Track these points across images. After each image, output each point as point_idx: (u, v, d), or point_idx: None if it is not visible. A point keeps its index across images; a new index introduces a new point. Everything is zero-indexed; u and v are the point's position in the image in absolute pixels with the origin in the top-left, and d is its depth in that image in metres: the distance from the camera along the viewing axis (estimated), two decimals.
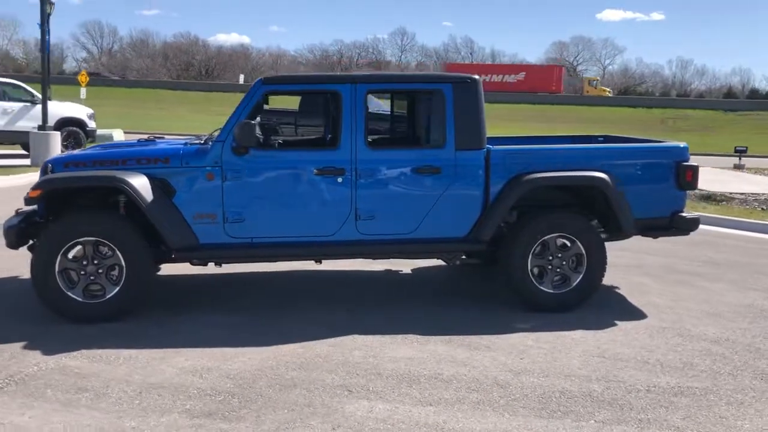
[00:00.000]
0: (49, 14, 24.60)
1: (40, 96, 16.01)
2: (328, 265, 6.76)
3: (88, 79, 34.74)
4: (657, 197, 5.74)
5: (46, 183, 5.02)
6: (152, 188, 5.09)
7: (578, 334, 5.10)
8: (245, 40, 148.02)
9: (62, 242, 4.99)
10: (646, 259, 7.67)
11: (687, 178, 5.72)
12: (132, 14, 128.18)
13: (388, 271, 6.88)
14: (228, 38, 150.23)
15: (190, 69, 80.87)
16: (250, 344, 4.73)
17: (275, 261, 5.75)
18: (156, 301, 5.64)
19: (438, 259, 5.99)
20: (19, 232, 5.07)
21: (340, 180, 5.32)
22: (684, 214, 5.77)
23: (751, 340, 5.07)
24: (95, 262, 5.07)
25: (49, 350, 4.52)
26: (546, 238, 5.52)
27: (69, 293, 5.04)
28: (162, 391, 3.96)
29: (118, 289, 5.09)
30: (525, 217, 5.64)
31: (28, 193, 5.04)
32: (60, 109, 16.85)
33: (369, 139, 5.40)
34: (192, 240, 5.25)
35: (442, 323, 5.28)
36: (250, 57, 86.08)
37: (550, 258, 5.58)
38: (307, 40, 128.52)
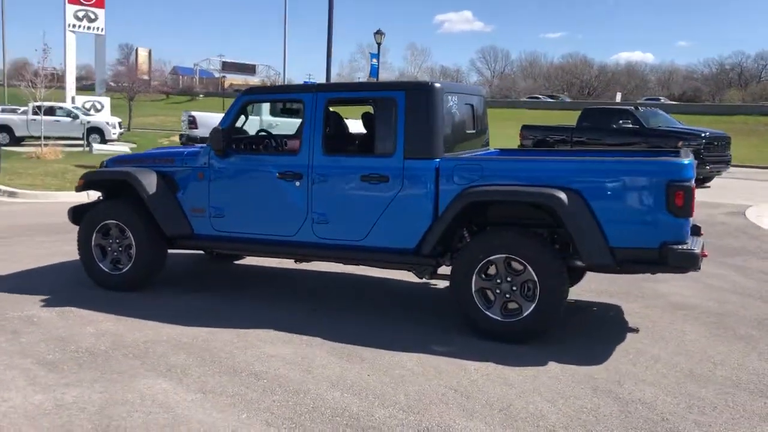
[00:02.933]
0: (379, 44, 27.92)
1: None
2: (349, 268, 6.95)
3: None
4: (641, 224, 4.75)
5: (84, 176, 6.36)
6: (157, 183, 6.05)
7: (476, 365, 4.58)
8: (648, 57, 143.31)
9: (95, 223, 6.26)
10: (756, 307, 6.10)
11: (676, 201, 4.62)
12: (536, 38, 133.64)
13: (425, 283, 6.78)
14: (630, 56, 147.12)
15: (571, 89, 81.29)
16: (180, 323, 5.34)
17: (252, 255, 6.24)
18: (172, 279, 6.63)
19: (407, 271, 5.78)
20: (74, 212, 6.48)
21: (298, 184, 5.61)
22: (676, 247, 4.66)
23: (673, 408, 3.96)
24: (117, 241, 6.23)
25: (46, 303, 5.78)
26: (492, 258, 5.01)
27: (100, 264, 6.29)
28: (54, 344, 4.87)
29: (131, 264, 6.17)
30: (477, 234, 5.19)
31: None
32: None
33: (325, 146, 5.57)
34: (187, 230, 6.07)
35: (369, 333, 5.20)
36: (634, 74, 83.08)
37: (499, 281, 5.04)
38: (709, 54, 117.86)
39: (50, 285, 6.39)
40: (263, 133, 6.67)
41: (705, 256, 4.87)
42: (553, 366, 4.61)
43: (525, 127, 19.94)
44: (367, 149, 5.86)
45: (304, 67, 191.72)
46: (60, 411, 3.82)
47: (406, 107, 5.31)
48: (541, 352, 4.84)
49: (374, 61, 28.16)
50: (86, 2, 34.76)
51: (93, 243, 6.28)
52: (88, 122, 27.14)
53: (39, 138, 22.97)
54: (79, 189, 6.50)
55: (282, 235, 5.73)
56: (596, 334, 5.34)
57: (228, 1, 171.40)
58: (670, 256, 4.66)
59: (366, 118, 6.41)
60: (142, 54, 77.85)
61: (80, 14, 34.73)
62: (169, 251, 6.35)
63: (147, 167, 6.21)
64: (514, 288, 4.99)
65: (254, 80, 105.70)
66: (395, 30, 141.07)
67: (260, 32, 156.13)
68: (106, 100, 33.83)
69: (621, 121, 17.53)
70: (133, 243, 6.13)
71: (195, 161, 6.04)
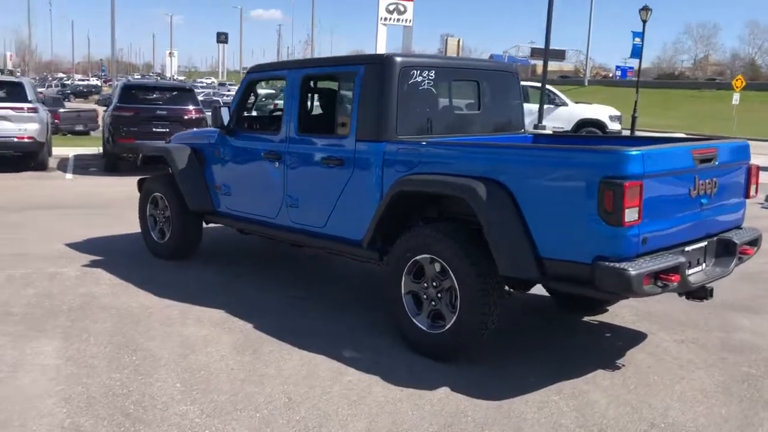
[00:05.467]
0: (644, 21, 25.18)
1: (564, 99, 17.34)
2: None
3: (743, 84, 33.38)
4: (574, 230, 3.69)
5: (142, 151, 6.87)
6: (189, 160, 6.27)
7: (357, 377, 4.06)
8: None
9: (147, 195, 6.74)
10: None
11: (605, 205, 3.49)
12: None
13: None
14: None
15: None
16: (160, 294, 5.50)
17: (252, 234, 6.11)
18: (222, 253, 6.85)
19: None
20: (140, 183, 7.02)
21: (277, 165, 5.40)
22: (609, 264, 3.53)
23: None
24: (162, 212, 6.63)
25: (89, 264, 6.39)
26: (418, 258, 4.31)
27: (151, 233, 6.77)
28: (37, 299, 5.35)
29: (170, 234, 6.54)
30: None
31: None
32: (583, 110, 17.74)
33: (300, 125, 5.25)
34: (209, 206, 6.22)
35: (311, 327, 4.86)
36: None
37: (425, 286, 4.32)
38: None
39: (115, 249, 7.01)
40: (279, 113, 6.54)
41: (671, 280, 3.62)
42: (438, 392, 3.84)
43: None
44: (332, 129, 5.42)
45: (615, 51, 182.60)
46: None
47: (362, 83, 4.78)
48: (456, 372, 4.08)
49: (637, 40, 25.45)
50: None
51: (147, 213, 6.77)
52: None
53: None
54: (139, 164, 7.06)
55: (267, 216, 5.59)
56: (558, 364, 4.27)
57: None
58: (595, 274, 3.56)
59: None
60: (452, 43, 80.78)
61: (391, 8, 37.24)
62: None
63: (187, 144, 6.48)
64: (440, 295, 4.24)
65: (565, 66, 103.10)
66: (732, 4, 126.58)
67: (572, 17, 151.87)
68: None
69: None
70: (170, 215, 6.48)
71: (213, 139, 6.15)
